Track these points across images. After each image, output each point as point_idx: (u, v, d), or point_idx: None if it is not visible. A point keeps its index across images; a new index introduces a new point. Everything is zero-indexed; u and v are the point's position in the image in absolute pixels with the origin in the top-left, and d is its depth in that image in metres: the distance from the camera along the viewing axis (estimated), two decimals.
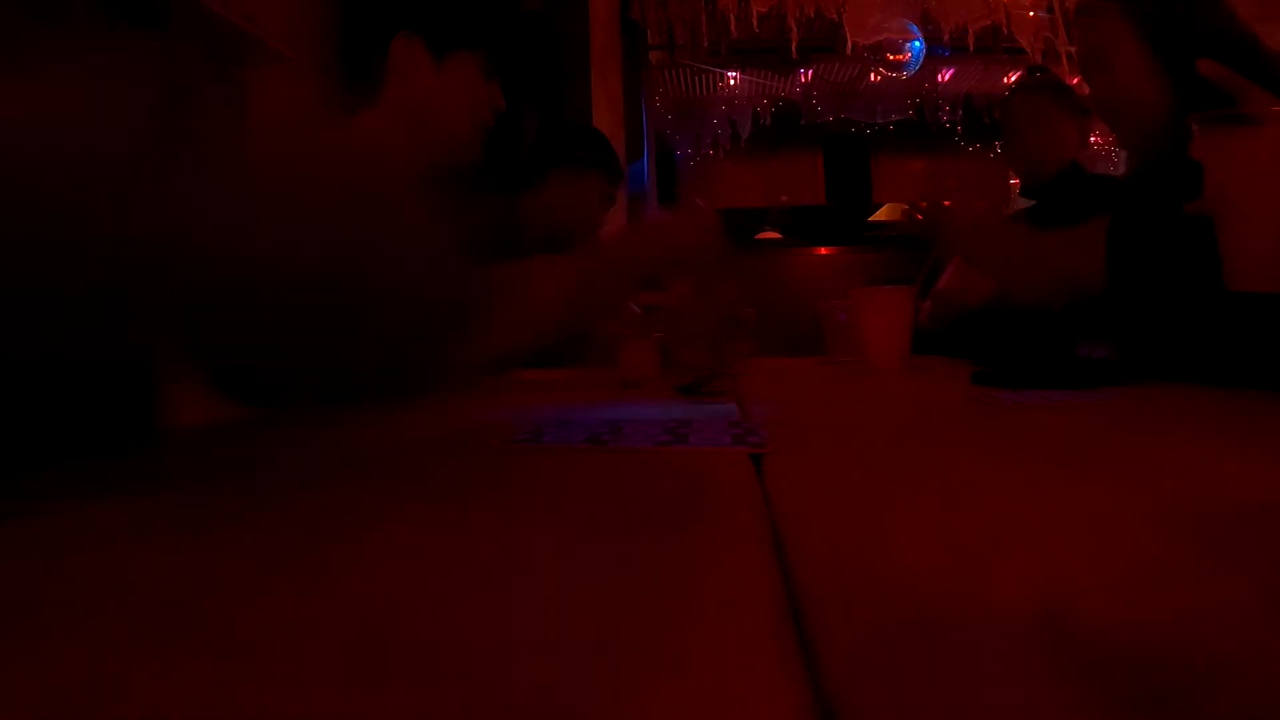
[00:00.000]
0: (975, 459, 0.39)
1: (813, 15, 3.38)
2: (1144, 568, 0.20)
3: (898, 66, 3.52)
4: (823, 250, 3.84)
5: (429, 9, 0.92)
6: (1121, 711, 0.13)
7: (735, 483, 0.32)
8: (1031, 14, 3.27)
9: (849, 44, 3.47)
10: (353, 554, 0.23)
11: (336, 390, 0.41)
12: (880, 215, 5.33)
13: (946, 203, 0.97)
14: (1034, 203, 1.32)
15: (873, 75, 4.00)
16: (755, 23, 3.40)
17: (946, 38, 3.52)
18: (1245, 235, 0.53)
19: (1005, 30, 3.40)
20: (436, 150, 0.93)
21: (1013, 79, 3.63)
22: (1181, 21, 0.87)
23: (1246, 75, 0.61)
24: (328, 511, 0.29)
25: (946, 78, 4.22)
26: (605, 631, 0.16)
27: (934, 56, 3.64)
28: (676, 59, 3.91)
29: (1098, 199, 0.89)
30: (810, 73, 4.23)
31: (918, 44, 3.43)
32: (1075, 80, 1.11)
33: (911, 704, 0.13)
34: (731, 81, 4.32)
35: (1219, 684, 0.13)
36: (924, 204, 0.99)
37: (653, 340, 1.04)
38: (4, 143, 0.31)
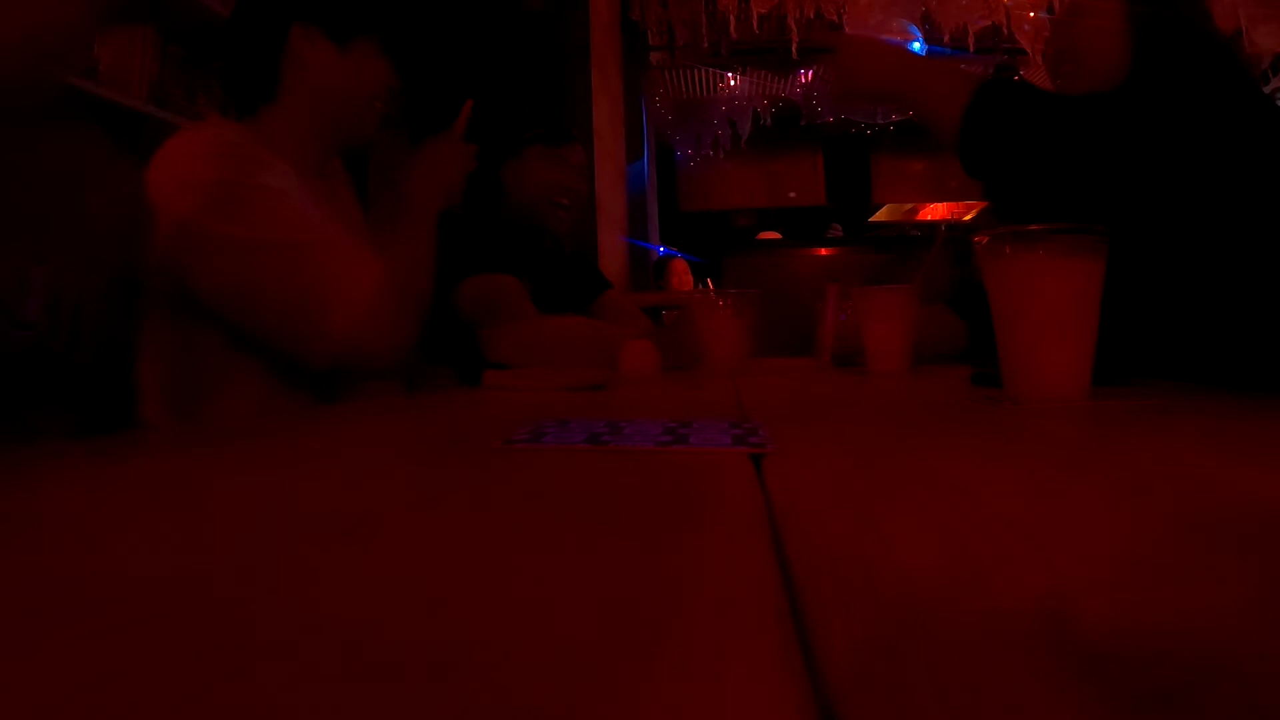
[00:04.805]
0: (975, 459, 0.39)
1: (813, 16, 3.38)
2: (1144, 568, 0.20)
3: None
4: (823, 250, 3.85)
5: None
6: (1123, 711, 0.12)
7: (735, 483, 0.31)
8: (1031, 14, 3.27)
9: None
10: (350, 553, 0.23)
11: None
12: (880, 216, 5.31)
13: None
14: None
15: None
16: (755, 23, 3.40)
17: (946, 38, 3.52)
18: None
19: (1005, 30, 3.40)
20: (339, 128, 1.00)
21: (1013, 79, 3.63)
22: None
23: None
24: (324, 509, 0.29)
25: None
26: (604, 631, 0.16)
27: (934, 56, 3.63)
28: (676, 59, 3.91)
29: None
30: (810, 73, 4.23)
31: (918, 45, 3.43)
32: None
33: (912, 704, 0.13)
34: (731, 82, 4.32)
35: (1220, 684, 0.13)
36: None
37: (652, 342, 1.05)
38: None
